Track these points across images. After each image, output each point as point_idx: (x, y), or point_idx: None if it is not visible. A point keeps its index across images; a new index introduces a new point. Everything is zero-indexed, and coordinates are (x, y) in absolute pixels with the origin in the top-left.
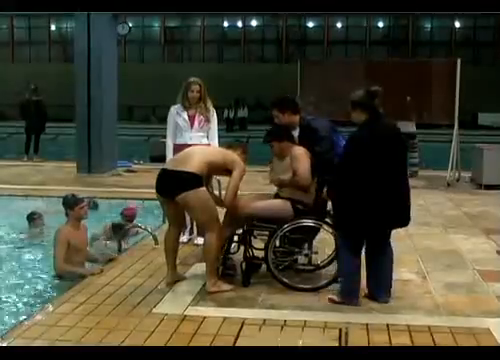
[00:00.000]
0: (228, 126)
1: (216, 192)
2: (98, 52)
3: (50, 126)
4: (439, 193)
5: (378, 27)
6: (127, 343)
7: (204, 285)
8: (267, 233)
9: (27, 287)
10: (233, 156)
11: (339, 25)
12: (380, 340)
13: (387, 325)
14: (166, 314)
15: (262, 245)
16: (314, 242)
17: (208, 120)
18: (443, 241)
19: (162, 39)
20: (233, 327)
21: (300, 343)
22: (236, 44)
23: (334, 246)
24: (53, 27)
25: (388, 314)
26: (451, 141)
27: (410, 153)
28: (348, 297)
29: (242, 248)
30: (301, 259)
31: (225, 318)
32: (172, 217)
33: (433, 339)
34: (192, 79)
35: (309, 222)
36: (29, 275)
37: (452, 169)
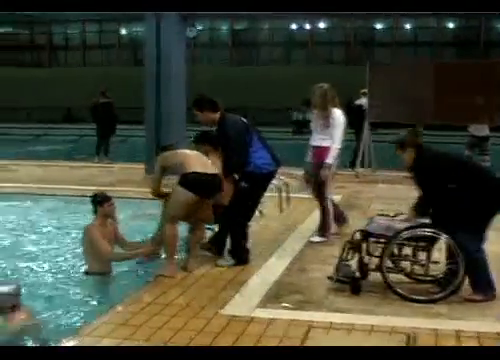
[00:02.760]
0: (296, 128)
1: (283, 194)
2: (167, 55)
3: (120, 128)
4: None
5: (448, 28)
6: (194, 344)
7: (271, 288)
8: (383, 241)
9: (95, 287)
10: None
11: (408, 26)
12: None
13: (456, 331)
14: (234, 316)
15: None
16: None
17: (328, 124)
18: None
19: (230, 42)
20: (300, 329)
21: None
22: (303, 46)
23: (452, 257)
24: (123, 31)
25: (457, 320)
26: None
27: (482, 156)
28: (493, 293)
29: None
30: (417, 269)
31: (292, 320)
32: (188, 217)
33: None
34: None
35: (427, 231)
36: (98, 278)
37: None
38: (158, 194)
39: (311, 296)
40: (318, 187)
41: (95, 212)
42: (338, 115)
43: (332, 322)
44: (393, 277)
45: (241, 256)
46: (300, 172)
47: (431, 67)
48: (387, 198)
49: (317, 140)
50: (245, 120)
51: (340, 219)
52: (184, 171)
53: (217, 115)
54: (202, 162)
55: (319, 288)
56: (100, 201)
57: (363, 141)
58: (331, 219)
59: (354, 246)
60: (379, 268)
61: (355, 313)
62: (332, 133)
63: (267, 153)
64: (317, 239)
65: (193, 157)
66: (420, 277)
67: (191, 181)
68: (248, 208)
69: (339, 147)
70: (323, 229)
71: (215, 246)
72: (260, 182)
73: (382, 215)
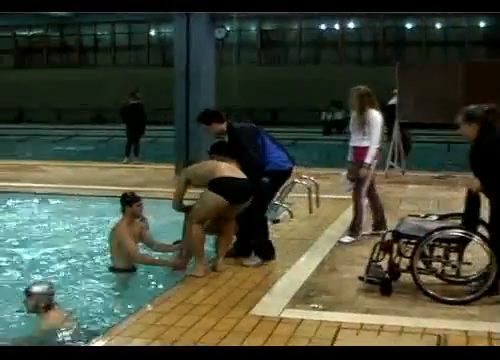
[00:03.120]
0: (325, 129)
1: (313, 195)
2: (196, 56)
3: (149, 129)
4: None
5: (478, 27)
6: (224, 344)
7: (301, 288)
8: (414, 241)
9: (122, 286)
10: None
11: (438, 26)
12: None
13: (488, 333)
14: (263, 316)
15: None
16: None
17: (366, 125)
18: None
19: (259, 42)
20: (330, 330)
21: None
22: (333, 46)
23: (488, 260)
24: (152, 32)
25: (490, 322)
26: None
27: None
28: None
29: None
30: (449, 270)
31: (322, 321)
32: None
33: None
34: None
35: (458, 232)
36: (126, 276)
37: None
38: (179, 207)
39: (341, 297)
40: (355, 186)
41: (123, 211)
42: (375, 116)
43: (362, 323)
44: (424, 278)
45: (266, 253)
46: (343, 172)
47: (461, 67)
48: (417, 199)
49: (355, 141)
50: (253, 125)
51: (380, 222)
52: (213, 177)
53: (224, 125)
54: (231, 168)
55: (349, 289)
56: (129, 201)
57: (393, 141)
58: (363, 219)
59: (385, 247)
60: (410, 269)
61: (385, 314)
62: (370, 133)
63: (282, 152)
64: (347, 239)
65: (221, 164)
66: (451, 278)
67: (221, 185)
68: (265, 206)
69: (377, 147)
70: (353, 229)
71: (241, 249)
72: (279, 179)
73: (413, 216)
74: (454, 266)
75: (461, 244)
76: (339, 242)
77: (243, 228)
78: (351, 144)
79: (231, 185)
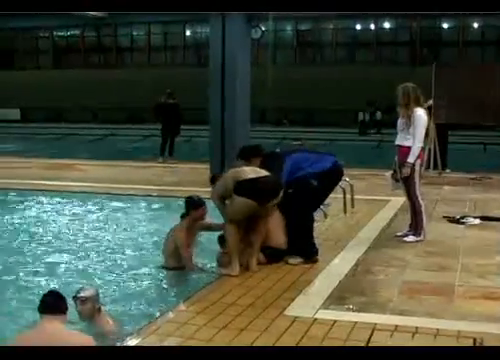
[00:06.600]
0: (361, 129)
1: (348, 196)
2: (232, 56)
3: (184, 129)
4: None
5: None
6: (257, 344)
7: (335, 289)
8: None
9: (157, 286)
10: None
11: (475, 25)
12: None
13: None
14: (297, 316)
15: None
16: None
17: (410, 122)
18: None
19: (294, 42)
20: (364, 332)
21: None
22: (368, 46)
23: None
24: (188, 32)
25: None
26: None
27: None
28: None
29: None
30: None
31: (356, 323)
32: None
33: None
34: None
35: None
36: (157, 276)
37: None
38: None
39: (375, 298)
40: (406, 187)
41: (186, 214)
42: (419, 114)
43: (396, 325)
44: None
45: (309, 253)
46: (386, 172)
47: (498, 68)
48: (453, 200)
49: (400, 139)
50: (278, 150)
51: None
52: (238, 181)
53: (260, 158)
54: (254, 170)
55: (383, 290)
56: (196, 205)
57: (429, 143)
58: (424, 218)
59: None
60: None
61: (420, 316)
62: (414, 132)
63: (320, 154)
64: (410, 239)
65: (246, 168)
66: None
67: (246, 188)
68: (314, 208)
69: (420, 146)
70: (416, 228)
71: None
72: (329, 177)
73: (447, 217)
74: None
75: None
76: (403, 241)
77: (291, 227)
78: (395, 142)
79: (256, 186)
